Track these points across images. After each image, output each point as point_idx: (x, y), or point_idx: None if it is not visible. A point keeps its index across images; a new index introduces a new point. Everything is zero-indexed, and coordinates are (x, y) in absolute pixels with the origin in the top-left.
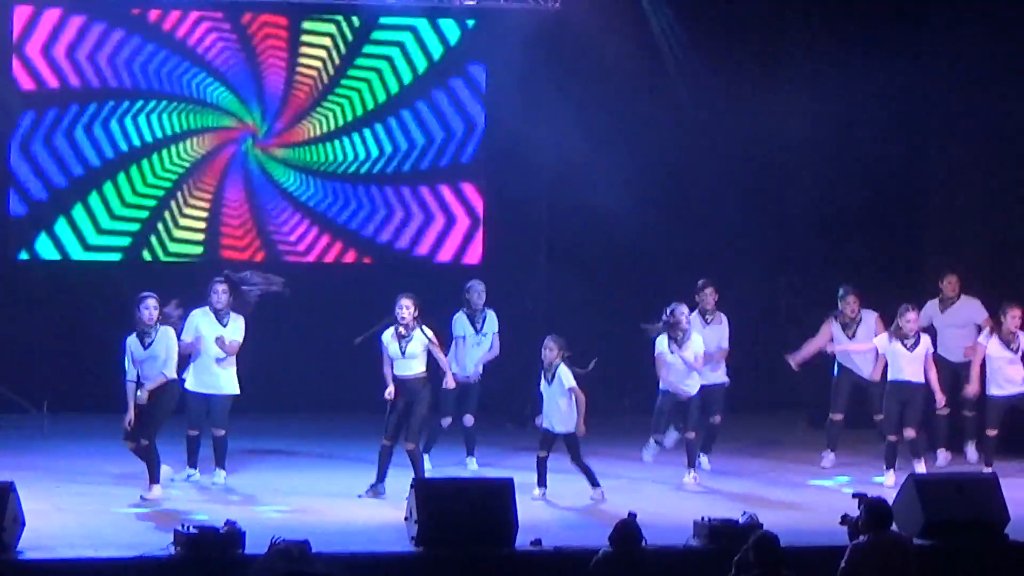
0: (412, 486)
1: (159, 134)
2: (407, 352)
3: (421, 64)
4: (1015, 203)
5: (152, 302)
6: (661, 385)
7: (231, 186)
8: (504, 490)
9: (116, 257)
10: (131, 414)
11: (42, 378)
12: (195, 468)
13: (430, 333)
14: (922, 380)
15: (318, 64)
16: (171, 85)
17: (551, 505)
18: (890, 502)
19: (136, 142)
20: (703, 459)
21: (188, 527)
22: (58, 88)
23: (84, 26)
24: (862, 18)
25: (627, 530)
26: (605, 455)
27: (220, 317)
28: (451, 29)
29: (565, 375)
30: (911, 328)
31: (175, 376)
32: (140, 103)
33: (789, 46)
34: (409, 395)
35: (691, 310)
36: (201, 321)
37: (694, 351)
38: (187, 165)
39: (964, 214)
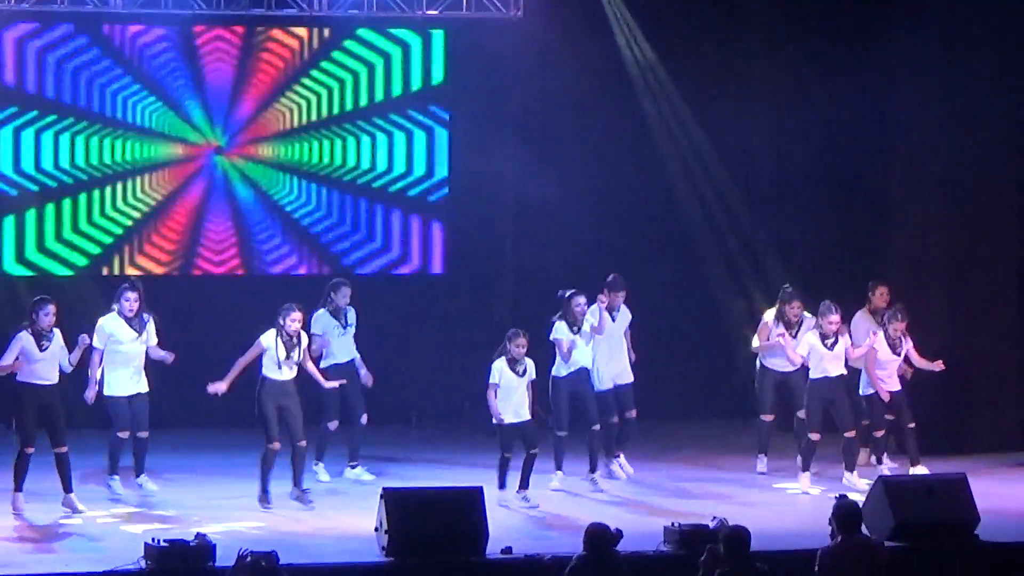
0: (382, 496)
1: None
2: (297, 357)
3: (388, 79)
4: (973, 219)
5: (52, 307)
6: (565, 372)
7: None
8: (474, 498)
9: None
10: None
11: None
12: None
13: (306, 339)
14: (844, 372)
15: (274, 71)
16: (113, 107)
17: (520, 513)
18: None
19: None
20: (621, 459)
21: (158, 540)
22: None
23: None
24: (825, 31)
25: (600, 535)
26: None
27: (132, 323)
28: (414, 41)
29: (531, 366)
30: (832, 329)
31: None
32: (83, 123)
33: (753, 58)
34: (284, 397)
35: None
36: (115, 328)
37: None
38: (157, 198)
39: (927, 228)
